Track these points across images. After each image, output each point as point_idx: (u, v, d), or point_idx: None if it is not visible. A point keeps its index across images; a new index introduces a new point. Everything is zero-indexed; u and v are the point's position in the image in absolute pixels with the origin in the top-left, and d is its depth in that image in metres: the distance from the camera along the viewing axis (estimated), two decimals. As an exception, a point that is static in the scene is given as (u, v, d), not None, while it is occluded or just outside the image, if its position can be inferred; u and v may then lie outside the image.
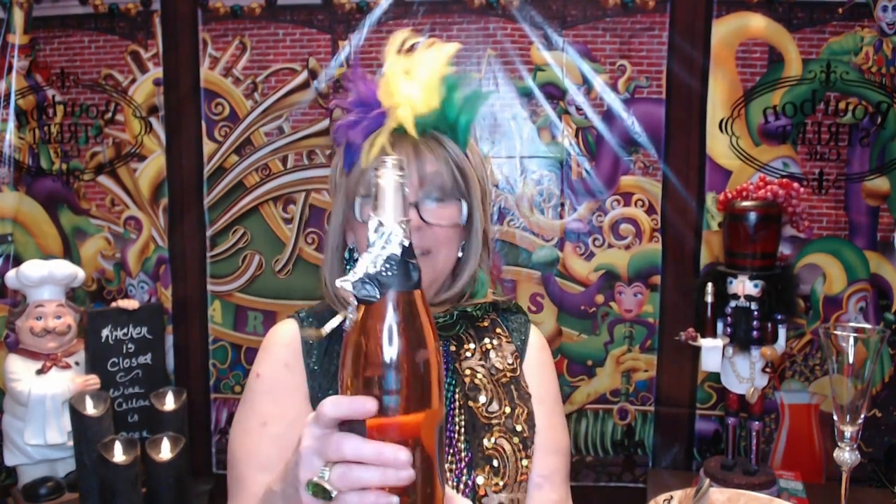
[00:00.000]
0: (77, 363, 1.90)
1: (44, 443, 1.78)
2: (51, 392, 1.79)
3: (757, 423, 1.77)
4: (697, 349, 1.73)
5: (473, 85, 1.04)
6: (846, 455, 1.21)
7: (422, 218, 1.00)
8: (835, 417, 1.22)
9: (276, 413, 1.02)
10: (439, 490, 0.68)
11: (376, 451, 0.64)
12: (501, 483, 0.99)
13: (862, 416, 1.20)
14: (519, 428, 1.04)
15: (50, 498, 1.78)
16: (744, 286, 1.69)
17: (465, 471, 1.00)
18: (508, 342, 1.11)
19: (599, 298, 2.11)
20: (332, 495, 0.65)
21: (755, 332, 1.70)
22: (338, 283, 0.65)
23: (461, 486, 0.99)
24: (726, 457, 1.79)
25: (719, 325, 1.74)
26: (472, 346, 1.08)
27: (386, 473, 0.64)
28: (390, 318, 0.65)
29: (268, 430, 1.01)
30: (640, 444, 2.15)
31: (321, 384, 1.03)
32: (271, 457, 0.97)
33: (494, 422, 1.02)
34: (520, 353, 1.11)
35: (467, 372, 1.05)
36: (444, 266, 1.04)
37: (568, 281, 2.11)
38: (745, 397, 1.72)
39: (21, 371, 1.81)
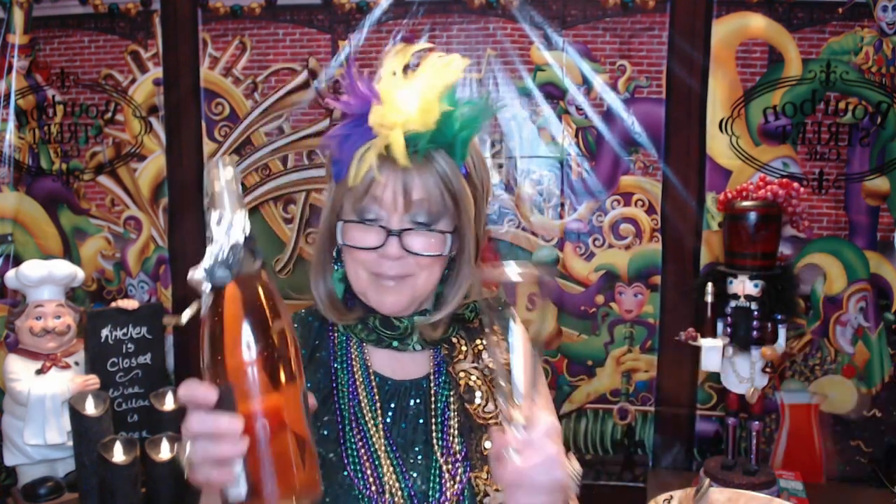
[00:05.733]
0: (77, 363, 1.90)
1: (43, 443, 1.78)
2: (50, 392, 1.79)
3: (757, 423, 1.77)
4: (697, 349, 1.73)
5: (479, 99, 0.99)
6: None
7: (403, 247, 0.97)
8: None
9: None
10: (312, 454, 0.73)
11: (214, 424, 0.68)
12: None
13: None
14: None
15: (49, 498, 1.78)
16: (744, 286, 1.69)
17: (460, 471, 1.00)
18: (502, 339, 1.10)
19: (599, 298, 2.11)
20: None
21: (755, 332, 1.70)
22: (190, 273, 0.70)
23: (456, 486, 0.99)
24: (726, 457, 1.79)
25: (719, 325, 1.74)
26: (464, 348, 1.08)
27: (223, 445, 0.68)
28: (240, 300, 0.70)
29: None
30: (640, 444, 2.14)
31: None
32: None
33: (492, 422, 1.02)
34: (509, 349, 1.11)
35: (461, 375, 1.05)
36: (424, 287, 1.02)
37: (568, 281, 2.11)
38: (745, 397, 1.72)
39: (21, 371, 1.81)
